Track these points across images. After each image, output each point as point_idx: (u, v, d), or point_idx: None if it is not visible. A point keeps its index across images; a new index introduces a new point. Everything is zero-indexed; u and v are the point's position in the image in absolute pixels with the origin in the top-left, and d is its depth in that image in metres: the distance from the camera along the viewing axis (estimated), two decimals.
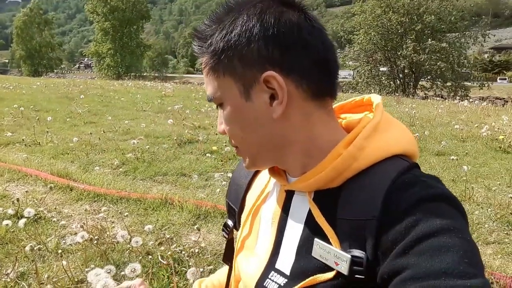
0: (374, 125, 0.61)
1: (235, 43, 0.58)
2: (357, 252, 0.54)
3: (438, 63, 17.30)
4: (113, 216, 3.02)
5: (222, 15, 0.62)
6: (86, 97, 10.04)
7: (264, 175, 0.76)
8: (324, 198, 0.61)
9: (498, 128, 6.15)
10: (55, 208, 3.11)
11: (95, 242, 2.40)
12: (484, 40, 19.31)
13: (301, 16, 0.60)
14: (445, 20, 18.00)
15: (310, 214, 0.62)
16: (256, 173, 0.79)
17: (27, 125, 6.43)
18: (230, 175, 3.80)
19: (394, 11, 18.39)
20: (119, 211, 3.05)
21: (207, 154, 4.81)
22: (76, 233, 2.51)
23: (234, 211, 0.81)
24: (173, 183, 3.92)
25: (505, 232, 2.80)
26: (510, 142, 5.26)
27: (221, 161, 4.64)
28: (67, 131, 6.23)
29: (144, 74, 43.08)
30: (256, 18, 0.58)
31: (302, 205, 0.64)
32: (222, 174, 4.12)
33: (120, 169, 4.26)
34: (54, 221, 2.84)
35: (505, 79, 52.26)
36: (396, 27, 18.37)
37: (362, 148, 0.59)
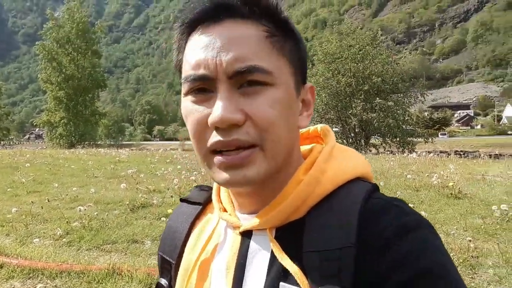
0: (330, 150, 0.58)
1: (300, 39, 0.57)
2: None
3: (386, 120, 18.59)
4: None
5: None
6: (32, 166, 9.46)
7: (208, 224, 0.65)
8: (287, 233, 0.53)
9: (447, 176, 6.43)
10: None
11: None
12: (424, 99, 21.22)
13: None
14: (388, 82, 19.72)
15: (273, 256, 0.52)
16: (195, 221, 0.67)
17: None
18: None
19: (342, 74, 19.91)
20: (58, 287, 2.68)
21: (162, 218, 4.55)
22: None
23: (170, 265, 0.66)
24: (122, 251, 3.59)
25: (470, 276, 2.76)
26: (459, 188, 5.50)
27: None
28: (6, 201, 5.70)
29: (99, 143, 42.09)
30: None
31: (262, 247, 0.54)
32: None
33: (64, 240, 3.86)
34: None
35: (445, 134, 57.01)
36: (345, 88, 19.74)
37: (324, 172, 0.54)
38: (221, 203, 0.63)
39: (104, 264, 3.04)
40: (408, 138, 20.19)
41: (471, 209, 4.63)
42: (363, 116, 18.63)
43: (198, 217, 0.67)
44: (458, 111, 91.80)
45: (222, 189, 0.65)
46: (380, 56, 20.23)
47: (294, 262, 0.50)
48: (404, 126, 20.00)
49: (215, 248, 0.61)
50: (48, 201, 5.40)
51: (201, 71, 0.50)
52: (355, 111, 18.81)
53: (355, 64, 19.66)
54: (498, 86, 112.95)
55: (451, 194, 5.40)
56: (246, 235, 0.57)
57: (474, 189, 5.78)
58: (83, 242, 3.78)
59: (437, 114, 65.25)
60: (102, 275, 2.86)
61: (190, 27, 0.54)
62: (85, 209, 4.58)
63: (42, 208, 4.92)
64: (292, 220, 0.53)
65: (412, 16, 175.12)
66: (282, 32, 0.53)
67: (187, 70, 0.52)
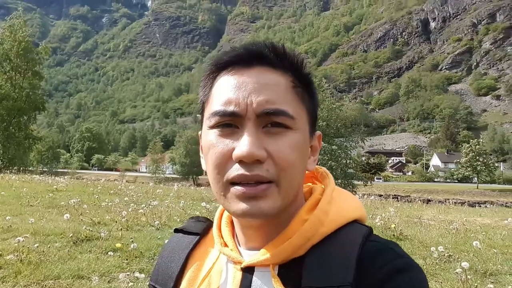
0: (331, 192, 0.63)
1: (315, 91, 0.64)
2: None
3: (329, 163, 19.51)
4: None
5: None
6: None
7: (207, 258, 0.67)
8: (289, 270, 0.57)
9: (388, 219, 6.85)
10: None
11: None
12: (364, 143, 22.74)
13: None
14: (332, 126, 20.91)
15: None
16: (192, 251, 0.68)
17: None
18: (137, 275, 3.39)
19: None
20: None
21: (109, 253, 4.27)
22: None
23: None
24: None
25: None
26: (400, 230, 5.87)
27: (126, 259, 4.14)
28: None
29: (31, 169, 38.78)
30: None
31: (265, 283, 0.58)
32: (128, 275, 3.64)
33: None
34: None
35: (381, 178, 60.66)
36: None
37: (327, 213, 0.59)
38: (223, 238, 0.65)
39: None
40: (349, 181, 21.26)
41: (412, 250, 4.95)
42: None
43: (195, 247, 0.69)
44: (392, 158, 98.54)
45: (223, 224, 0.67)
46: (324, 102, 21.48)
47: None
48: (345, 169, 21.08)
49: (217, 285, 0.62)
50: None
51: (231, 108, 0.55)
52: None
53: None
54: (426, 137, 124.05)
55: (393, 235, 5.74)
56: (248, 271, 0.59)
57: (413, 231, 6.20)
58: (20, 278, 3.43)
59: (374, 159, 69.57)
60: None
61: (222, 68, 0.60)
62: (22, 240, 4.18)
63: None
64: (294, 257, 0.57)
65: (353, 68, 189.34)
66: (303, 84, 0.61)
67: (217, 105, 0.57)
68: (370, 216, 7.26)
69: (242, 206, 0.54)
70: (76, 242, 4.67)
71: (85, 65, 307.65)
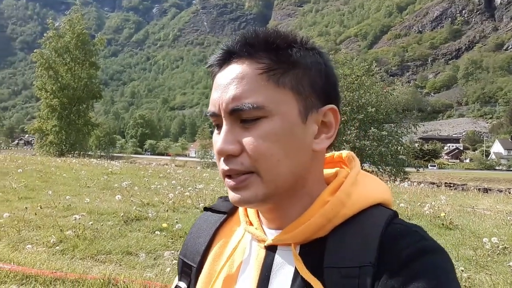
0: (356, 175, 0.63)
1: (310, 65, 0.60)
2: None
3: (379, 148, 18.82)
4: None
5: (293, 41, 0.61)
6: (24, 172, 9.32)
7: (233, 235, 0.69)
8: (311, 250, 0.57)
9: (438, 207, 6.53)
10: None
11: None
12: (416, 130, 21.62)
13: None
14: (382, 112, 20.06)
15: (297, 271, 0.57)
16: (219, 229, 0.71)
17: None
18: None
19: None
20: None
21: (156, 232, 4.51)
22: None
23: (190, 268, 0.70)
24: (117, 263, 3.56)
25: None
26: (450, 219, 5.57)
27: (171, 239, 4.35)
28: None
29: (90, 153, 41.55)
30: (322, 57, 0.62)
31: (286, 262, 0.59)
32: (172, 253, 3.83)
33: (57, 248, 3.81)
34: None
35: (435, 165, 57.71)
36: None
37: (350, 195, 0.59)
38: (248, 216, 0.67)
39: (99, 274, 3.01)
40: (401, 168, 20.41)
41: (462, 240, 4.69)
42: (356, 144, 18.85)
43: (222, 225, 0.71)
44: (448, 144, 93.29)
45: None
46: (374, 87, 20.65)
47: (316, 277, 0.54)
48: (396, 156, 20.26)
49: (241, 261, 0.64)
50: (41, 208, 5.34)
51: (212, 109, 0.59)
52: (349, 138, 19.03)
53: (350, 93, 20.00)
54: (487, 123, 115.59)
55: (443, 224, 5.47)
56: (271, 249, 0.61)
57: (465, 221, 5.86)
58: (77, 251, 3.74)
59: (427, 146, 66.22)
60: (98, 285, 2.83)
61: (214, 70, 0.63)
62: (79, 218, 4.54)
63: (35, 214, 4.86)
64: (315, 238, 0.58)
65: (406, 50, 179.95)
66: (284, 64, 0.58)
67: (209, 107, 0.62)
68: (419, 204, 6.96)
69: (231, 195, 0.59)
70: (127, 221, 4.97)
71: (138, 55, 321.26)
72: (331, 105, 0.61)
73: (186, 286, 0.70)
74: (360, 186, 0.61)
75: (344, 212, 0.57)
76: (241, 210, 0.69)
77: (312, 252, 0.57)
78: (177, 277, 0.73)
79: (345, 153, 0.70)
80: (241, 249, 0.65)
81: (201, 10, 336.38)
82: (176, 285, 0.71)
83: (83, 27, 34.88)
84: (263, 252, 0.61)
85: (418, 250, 0.52)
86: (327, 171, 0.68)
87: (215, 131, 0.61)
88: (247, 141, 0.56)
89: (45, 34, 34.83)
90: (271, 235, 0.62)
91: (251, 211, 0.67)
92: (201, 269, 0.68)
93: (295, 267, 0.57)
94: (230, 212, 0.72)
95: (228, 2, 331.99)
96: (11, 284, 2.86)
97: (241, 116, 0.56)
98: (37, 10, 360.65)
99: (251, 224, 0.66)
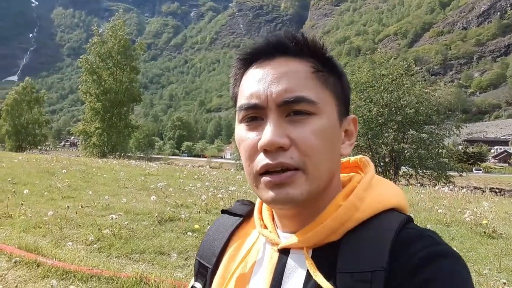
0: (370, 179, 0.63)
1: (341, 73, 0.64)
2: None
3: (418, 151, 18.07)
4: None
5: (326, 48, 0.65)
6: (68, 172, 9.86)
7: (248, 238, 0.70)
8: (322, 253, 0.58)
9: (481, 214, 6.19)
10: (16, 286, 2.83)
11: None
12: (459, 132, 20.52)
13: None
14: (421, 113, 19.25)
15: (308, 274, 0.57)
16: (235, 231, 0.72)
17: (1, 197, 6.16)
18: None
19: (374, 103, 19.64)
20: None
21: (188, 233, 4.61)
22: None
23: (206, 270, 0.72)
24: (150, 262, 3.67)
25: None
26: (494, 227, 5.26)
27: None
28: (43, 204, 5.97)
29: (130, 154, 43.20)
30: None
31: (299, 265, 0.59)
32: None
33: (95, 246, 4.00)
34: None
35: (480, 169, 54.57)
36: (376, 117, 19.44)
37: (363, 199, 0.59)
38: (263, 220, 0.68)
39: (132, 273, 3.12)
40: (444, 171, 19.48)
41: (506, 250, 4.41)
42: (394, 146, 18.25)
43: (237, 228, 0.73)
44: (495, 147, 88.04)
45: (264, 207, 0.70)
46: (414, 88, 19.87)
47: (328, 282, 0.54)
48: (437, 159, 19.37)
49: (254, 262, 0.66)
50: (82, 207, 5.62)
51: (254, 101, 0.58)
52: (387, 141, 18.45)
53: (387, 94, 19.37)
54: None
55: (485, 232, 5.17)
56: (284, 252, 0.61)
57: (510, 230, 5.52)
58: (113, 250, 3.90)
59: (472, 148, 62.90)
60: (130, 283, 2.94)
61: (246, 63, 0.63)
62: (116, 218, 4.74)
63: (76, 213, 5.12)
64: (328, 242, 0.58)
65: (449, 48, 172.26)
66: (326, 68, 0.61)
67: (242, 100, 0.60)
68: (459, 210, 6.63)
69: (270, 194, 0.57)
70: (161, 221, 5.13)
71: (176, 58, 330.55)
72: (353, 115, 0.65)
73: (201, 287, 0.72)
74: (373, 191, 0.61)
75: (357, 216, 0.57)
76: (256, 213, 0.70)
77: (325, 256, 0.57)
78: (193, 277, 0.75)
79: (360, 158, 0.71)
80: (255, 252, 0.67)
81: (237, 13, 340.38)
82: (192, 286, 0.73)
83: (125, 33, 36.39)
84: (276, 255, 0.62)
85: (431, 254, 0.51)
86: (343, 176, 0.68)
87: (242, 126, 0.60)
88: (299, 135, 0.56)
89: (90, 40, 36.67)
90: (284, 238, 0.63)
91: (266, 215, 0.68)
92: (216, 270, 0.70)
93: (307, 271, 0.57)
94: (246, 215, 0.74)
95: (264, 4, 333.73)
96: (52, 279, 3.03)
97: (291, 109, 0.57)
98: (82, 17, 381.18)
99: (265, 227, 0.67)
